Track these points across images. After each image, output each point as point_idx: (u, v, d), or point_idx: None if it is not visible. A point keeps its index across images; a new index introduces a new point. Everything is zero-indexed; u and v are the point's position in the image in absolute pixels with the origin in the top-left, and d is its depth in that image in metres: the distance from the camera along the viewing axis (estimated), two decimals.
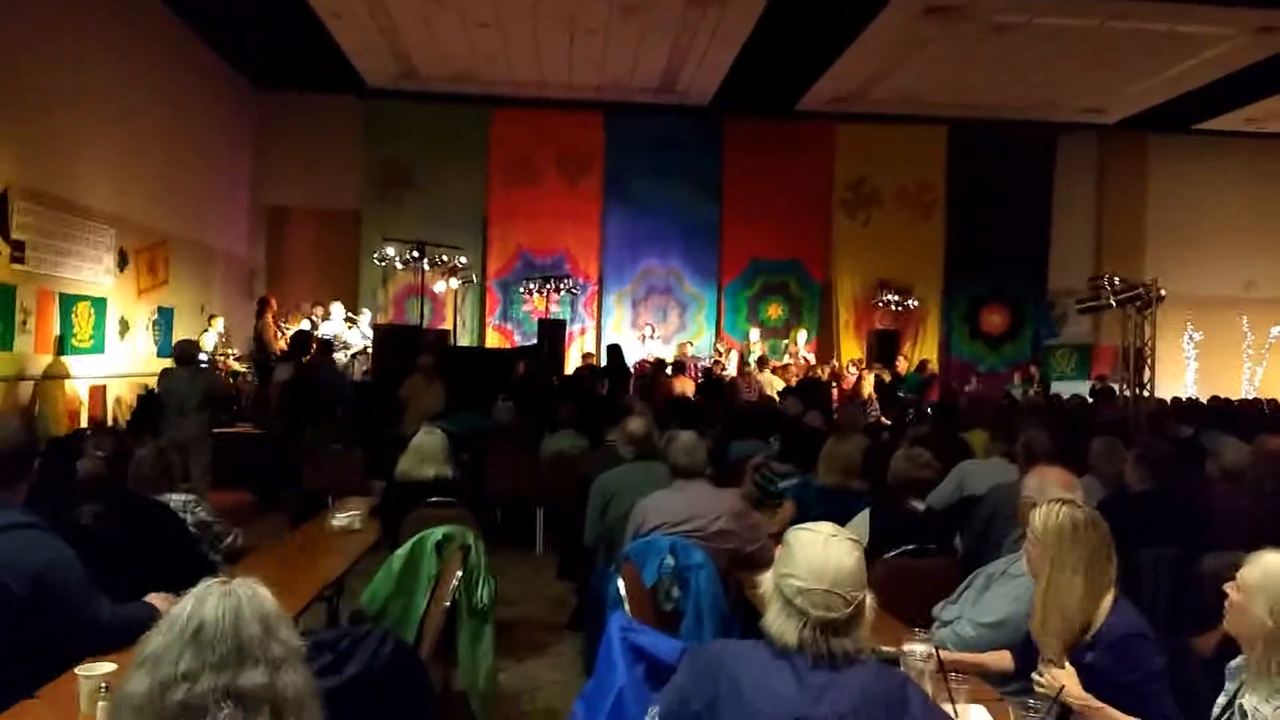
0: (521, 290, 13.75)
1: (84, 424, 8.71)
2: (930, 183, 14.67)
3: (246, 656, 1.44)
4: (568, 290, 13.57)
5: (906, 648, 2.50)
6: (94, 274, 9.22)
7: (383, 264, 12.40)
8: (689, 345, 13.66)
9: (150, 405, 8.58)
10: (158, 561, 3.29)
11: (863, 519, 3.99)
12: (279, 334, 11.57)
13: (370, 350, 11.63)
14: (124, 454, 3.89)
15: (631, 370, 11.96)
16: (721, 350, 13.41)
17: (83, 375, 8.94)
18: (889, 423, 9.92)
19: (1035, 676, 2.43)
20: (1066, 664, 2.42)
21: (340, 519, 4.67)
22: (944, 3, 9.91)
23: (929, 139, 14.52)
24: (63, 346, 8.62)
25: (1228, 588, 2.14)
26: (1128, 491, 4.64)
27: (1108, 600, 2.50)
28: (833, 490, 4.58)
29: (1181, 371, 14.96)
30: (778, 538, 2.45)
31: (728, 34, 10.99)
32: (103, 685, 2.15)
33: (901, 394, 12.15)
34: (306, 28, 11.00)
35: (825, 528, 1.99)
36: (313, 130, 13.57)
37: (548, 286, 13.24)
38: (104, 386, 9.33)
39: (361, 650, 2.28)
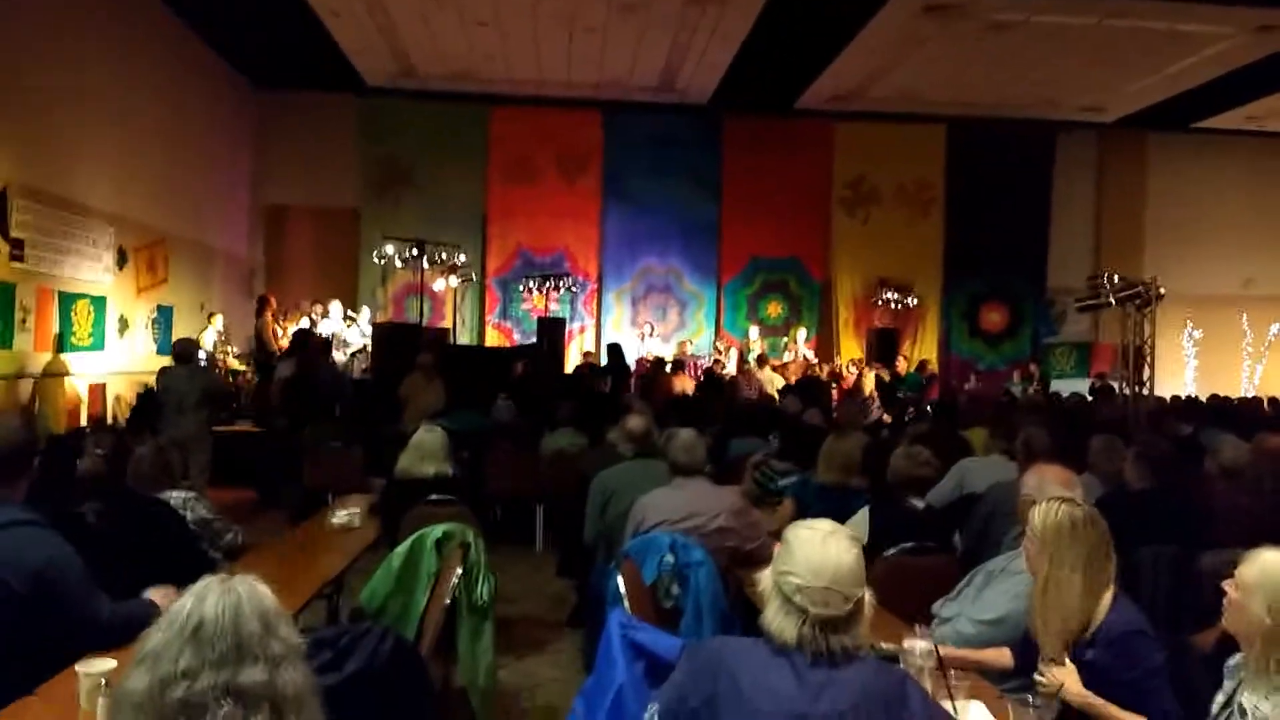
0: (521, 288, 13.75)
1: (83, 422, 8.71)
2: (929, 181, 14.67)
3: (246, 654, 1.44)
4: (567, 289, 13.57)
5: (906, 644, 2.51)
6: (93, 272, 9.22)
7: (382, 262, 12.39)
8: (688, 343, 13.66)
9: (149, 403, 8.58)
10: (158, 559, 3.29)
11: (862, 517, 3.99)
12: (278, 332, 11.57)
13: (369, 348, 11.63)
14: (123, 452, 3.89)
15: (632, 369, 11.96)
16: (721, 348, 13.42)
17: (82, 373, 8.94)
18: (890, 420, 9.93)
19: (1037, 676, 2.43)
20: (1067, 661, 2.42)
21: (340, 516, 4.68)
22: (943, 1, 9.91)
23: (928, 137, 14.51)
24: (62, 344, 8.63)
25: (1226, 585, 2.14)
26: (1127, 489, 4.64)
27: (1107, 598, 2.50)
28: (832, 488, 4.58)
29: (1181, 370, 14.97)
30: (777, 535, 2.45)
31: (727, 32, 10.98)
32: (102, 682, 2.16)
33: (901, 394, 12.15)
34: (305, 27, 11.00)
35: (824, 525, 1.99)
36: (312, 129, 13.57)
37: (547, 285, 13.24)
38: (103, 384, 9.32)
39: (361, 647, 2.28)
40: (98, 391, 9.21)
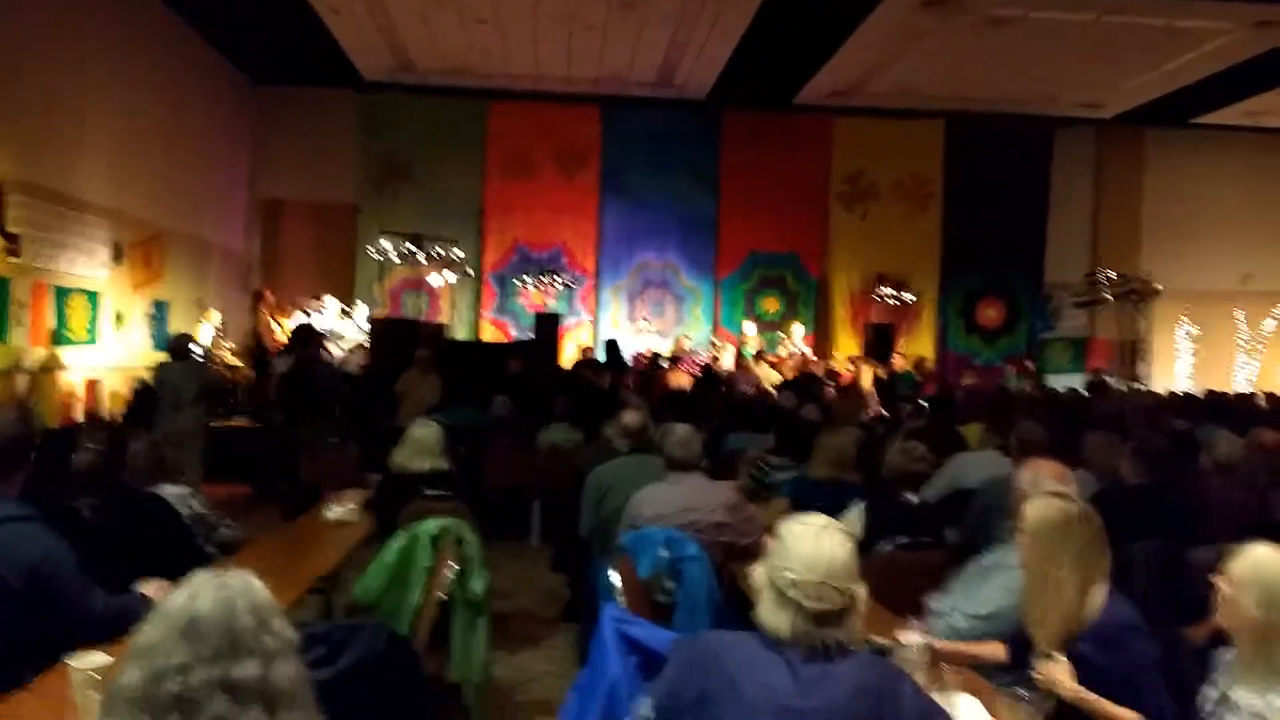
0: (518, 284, 13.74)
1: (79, 417, 8.70)
2: (927, 176, 14.65)
3: (240, 649, 1.44)
4: (564, 284, 13.56)
5: (901, 638, 2.52)
6: (89, 267, 9.20)
7: (383, 257, 12.37)
8: (685, 339, 13.66)
9: (146, 398, 8.57)
10: (153, 554, 3.30)
11: (857, 512, 4.00)
12: (272, 327, 11.57)
13: (366, 344, 11.62)
14: (119, 447, 3.89)
15: (630, 363, 11.96)
16: (718, 344, 13.42)
17: (77, 368, 8.93)
18: (887, 416, 9.92)
19: (1032, 673, 2.44)
20: (1060, 657, 2.43)
21: (335, 512, 4.68)
22: None
23: (926, 133, 14.49)
24: (57, 339, 8.61)
25: (1217, 580, 2.15)
26: (1122, 484, 4.66)
27: (1100, 593, 2.51)
28: (826, 483, 4.59)
29: (1177, 364, 14.99)
30: (771, 531, 2.45)
31: (725, 27, 10.97)
32: (95, 676, 2.16)
33: (901, 393, 12.16)
34: (304, 23, 10.98)
35: (818, 520, 1.99)
36: (310, 124, 13.54)
37: (544, 280, 13.22)
38: (99, 380, 9.31)
39: (355, 642, 2.29)
40: (93, 386, 9.20)
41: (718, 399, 9.32)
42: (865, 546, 3.58)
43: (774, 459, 5.62)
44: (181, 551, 3.49)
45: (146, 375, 9.04)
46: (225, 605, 1.46)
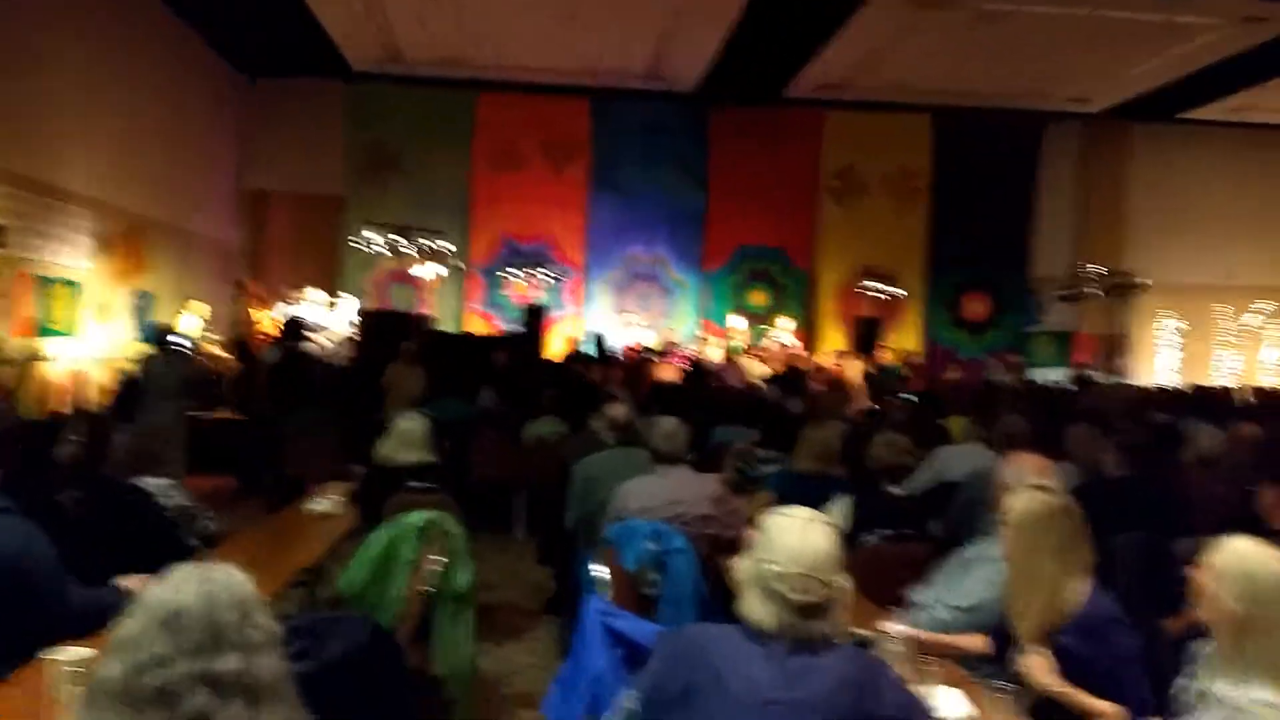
0: (503, 276, 13.69)
1: (62, 408, 8.64)
2: (915, 170, 14.68)
3: (222, 642, 1.44)
4: (552, 277, 13.53)
5: (884, 628, 2.53)
6: (72, 258, 9.13)
7: (370, 249, 12.30)
8: (672, 332, 13.65)
9: (130, 390, 8.52)
10: (135, 546, 3.28)
11: (842, 504, 4.01)
12: (256, 319, 11.52)
13: (353, 336, 11.58)
14: (102, 438, 3.86)
15: (618, 357, 11.95)
16: (704, 337, 13.42)
17: (60, 359, 8.86)
18: (878, 407, 9.94)
19: (1014, 665, 2.46)
20: (1040, 650, 2.45)
21: (319, 504, 4.67)
22: None
23: (915, 127, 14.51)
24: (40, 330, 8.54)
25: (1195, 573, 2.16)
26: (1104, 477, 4.69)
27: (1081, 585, 2.53)
28: (811, 476, 4.60)
29: (1162, 359, 15.09)
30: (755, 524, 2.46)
31: (715, 20, 10.94)
32: (75, 670, 2.14)
33: (887, 387, 12.19)
34: (292, 12, 10.89)
35: (801, 512, 2.00)
36: (297, 114, 13.45)
37: (531, 273, 13.19)
38: (82, 371, 9.25)
39: (339, 635, 2.28)
40: (76, 378, 9.14)
41: (705, 392, 9.33)
42: (850, 539, 3.59)
43: (760, 452, 5.63)
44: (163, 544, 3.47)
45: (130, 367, 8.98)
46: (207, 598, 1.46)
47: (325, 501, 4.67)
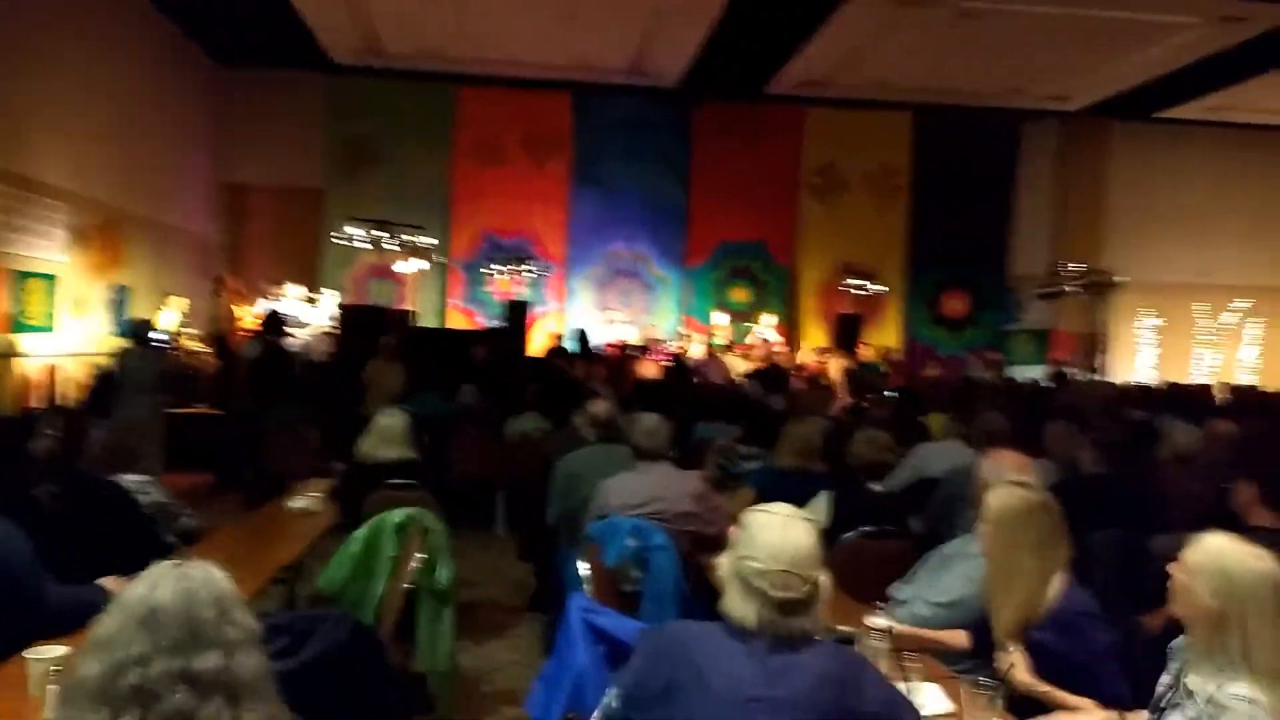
0: (485, 271, 13.65)
1: (36, 403, 8.54)
2: (895, 168, 14.75)
3: (201, 640, 1.43)
4: (533, 272, 13.50)
5: (867, 622, 2.55)
6: (47, 251, 9.02)
7: (350, 243, 12.22)
8: (654, 328, 13.65)
9: (104, 385, 8.44)
10: (112, 543, 3.25)
11: (823, 501, 4.03)
12: (234, 314, 11.44)
13: (332, 331, 11.51)
14: (78, 434, 3.82)
15: (601, 353, 11.93)
16: (685, 333, 13.43)
17: (35, 353, 8.76)
18: (857, 406, 9.99)
19: (994, 662, 2.48)
20: (1017, 648, 2.47)
21: (298, 501, 4.64)
22: None
23: (895, 124, 14.57)
24: (15, 324, 8.44)
25: (1172, 569, 2.18)
26: (1081, 474, 4.73)
27: (1058, 581, 2.56)
28: (792, 473, 4.61)
29: (1139, 356, 15.23)
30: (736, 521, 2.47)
31: (696, 16, 10.94)
32: (54, 669, 2.12)
33: (869, 375, 12.25)
34: (271, 3, 10.80)
35: (782, 509, 2.00)
36: (276, 107, 13.33)
37: (513, 268, 13.15)
38: (57, 365, 9.15)
39: (319, 632, 2.27)
40: (51, 372, 9.04)
41: (687, 389, 9.34)
42: (831, 536, 3.61)
43: (742, 449, 5.65)
44: (141, 541, 3.44)
45: (106, 362, 8.89)
46: (186, 595, 1.45)
47: (305, 498, 4.65)
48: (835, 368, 12.02)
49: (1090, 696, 2.37)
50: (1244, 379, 14.45)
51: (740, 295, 14.58)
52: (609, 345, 12.48)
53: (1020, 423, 5.72)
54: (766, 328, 13.58)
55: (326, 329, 11.71)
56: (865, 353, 13.37)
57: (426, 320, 13.27)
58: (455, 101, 13.84)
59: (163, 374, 7.58)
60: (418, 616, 3.53)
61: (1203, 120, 14.44)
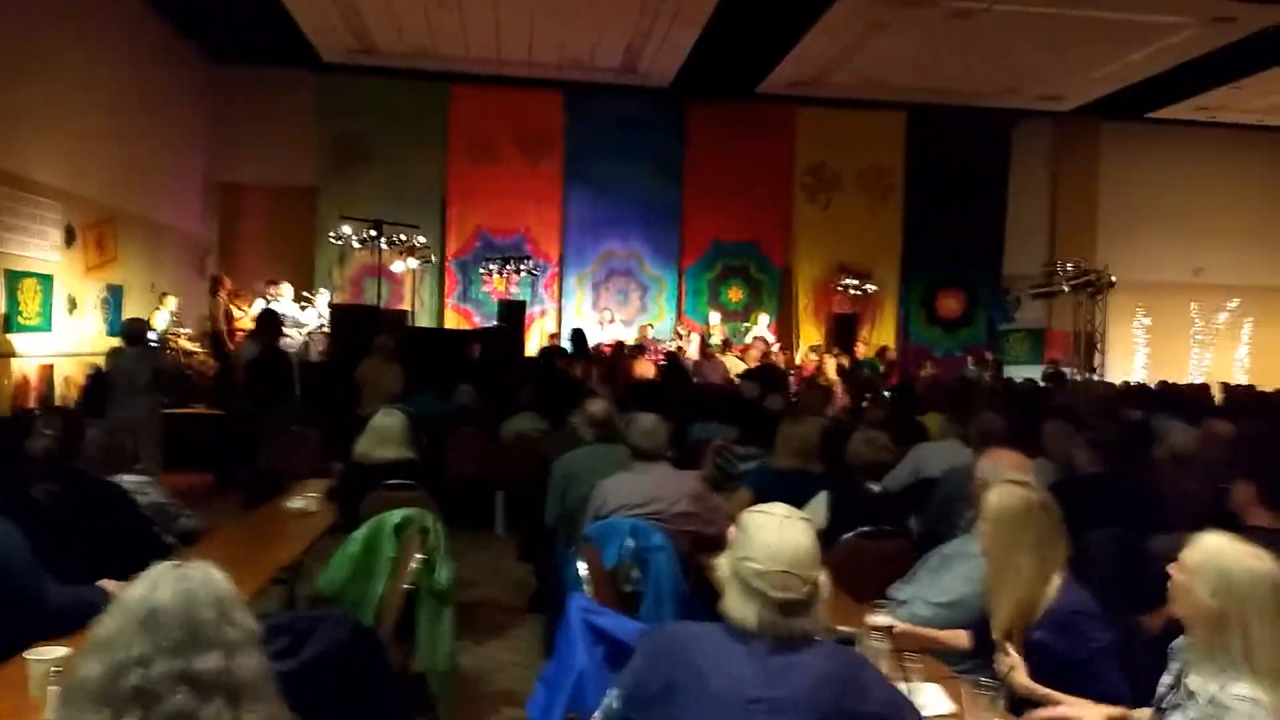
0: (481, 271, 13.63)
1: (31, 403, 8.52)
2: (888, 167, 14.76)
3: (201, 641, 1.43)
4: (528, 271, 13.49)
5: (869, 619, 2.55)
6: (41, 250, 9.00)
7: (339, 243, 12.20)
8: (649, 328, 13.66)
9: (99, 385, 8.41)
10: (110, 543, 3.24)
11: (821, 501, 4.03)
12: (231, 314, 11.41)
13: (327, 330, 11.48)
14: (75, 433, 3.81)
15: (597, 352, 11.93)
16: (682, 333, 13.44)
17: (30, 354, 8.73)
18: (861, 405, 9.99)
19: (994, 663, 2.48)
20: (1014, 653, 2.47)
21: (298, 501, 4.63)
22: None
23: (888, 124, 14.60)
24: (9, 324, 8.42)
25: (1171, 569, 2.18)
26: (1078, 474, 4.73)
27: (1057, 580, 2.56)
28: (790, 473, 4.61)
29: (1132, 356, 15.27)
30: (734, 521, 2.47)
31: (688, 15, 10.95)
32: (53, 669, 2.12)
33: (866, 372, 12.26)
34: (263, 2, 10.78)
35: (779, 509, 2.00)
36: (268, 105, 13.31)
37: (508, 267, 13.14)
38: (51, 365, 9.12)
39: (319, 633, 2.27)
40: (46, 372, 9.01)
41: (683, 388, 9.34)
42: (830, 536, 3.61)
43: (740, 449, 5.65)
44: (140, 541, 3.44)
45: (100, 361, 8.86)
46: (185, 596, 1.45)
47: (304, 499, 4.64)
48: (832, 367, 12.03)
49: (1089, 695, 2.37)
50: (1239, 378, 14.49)
51: (735, 295, 14.60)
52: (605, 345, 12.48)
53: (1017, 422, 5.72)
54: (761, 327, 13.58)
55: (321, 329, 11.68)
56: (861, 352, 13.39)
57: (423, 320, 13.26)
58: (448, 100, 13.82)
59: (158, 374, 7.55)
60: (417, 617, 3.52)
61: (1194, 120, 14.50)
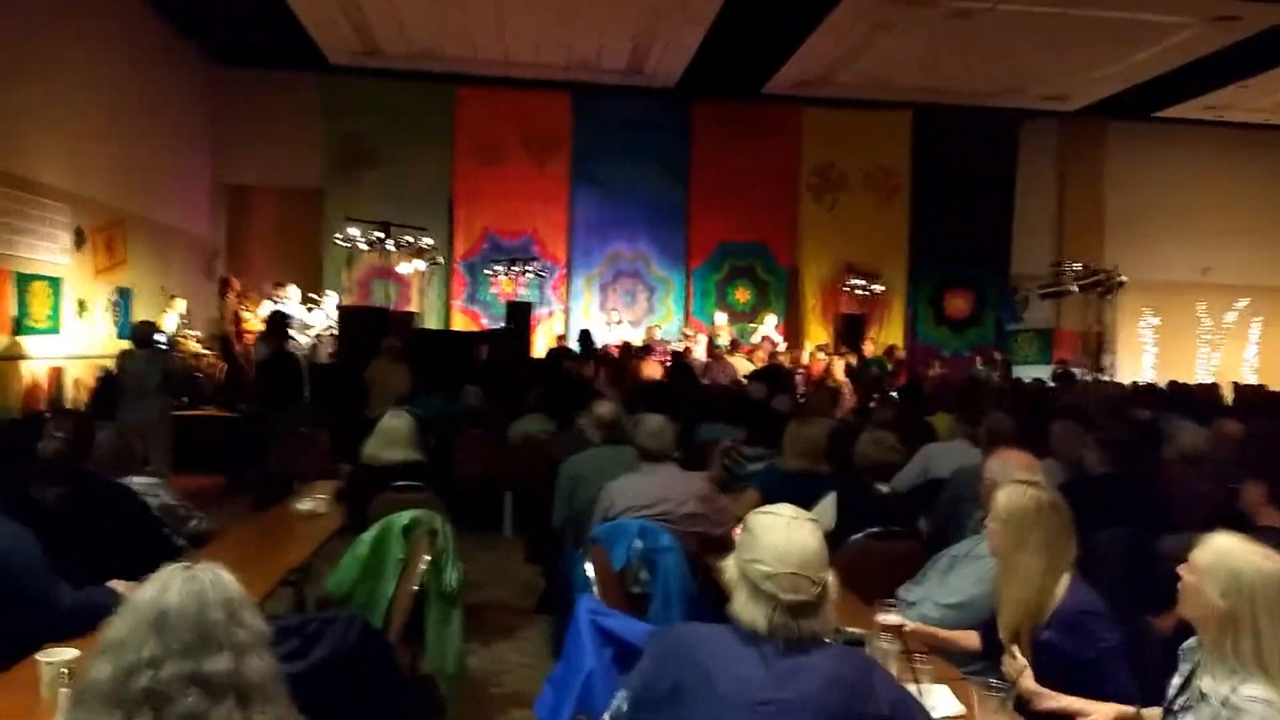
0: (489, 272, 13.65)
1: (41, 406, 8.55)
2: (895, 167, 14.73)
3: (211, 642, 1.43)
4: (535, 273, 13.50)
5: (879, 618, 2.54)
6: (50, 253, 9.03)
7: (347, 245, 12.22)
8: (657, 329, 13.65)
9: (109, 387, 8.44)
10: (121, 545, 3.25)
11: (829, 502, 4.02)
12: (240, 316, 11.45)
13: (335, 332, 11.51)
14: (85, 436, 3.83)
15: (605, 354, 11.93)
16: (690, 334, 13.43)
17: (40, 356, 8.77)
18: (870, 405, 9.97)
19: (1003, 668, 2.47)
20: (1020, 656, 2.46)
21: (306, 503, 4.64)
22: None
23: (894, 124, 14.56)
24: (19, 327, 8.45)
25: (1180, 570, 2.17)
26: (1087, 474, 4.72)
27: (1066, 580, 2.55)
28: (798, 474, 4.60)
29: (1140, 356, 15.22)
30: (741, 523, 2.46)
31: (694, 16, 10.95)
32: (64, 671, 2.13)
33: (875, 372, 12.23)
34: (268, 3, 10.81)
35: (786, 510, 1.99)
36: (274, 107, 13.32)
37: (515, 269, 13.15)
38: (61, 368, 9.16)
39: (328, 634, 2.27)
40: (56, 375, 9.05)
41: (691, 389, 9.34)
42: (838, 537, 3.60)
43: (747, 449, 5.64)
44: (150, 543, 3.45)
45: (110, 364, 8.90)
46: (195, 598, 1.45)
47: (312, 500, 4.65)
48: (840, 368, 12.01)
49: (1099, 695, 2.36)
50: (1247, 378, 14.43)
51: (743, 295, 14.58)
52: (612, 346, 12.48)
53: (1026, 422, 5.71)
54: (770, 328, 13.57)
55: (329, 330, 11.71)
56: (869, 353, 13.37)
57: (430, 322, 13.27)
58: (454, 101, 13.83)
59: (168, 376, 7.58)
60: (426, 618, 3.52)
61: (1202, 120, 14.45)
